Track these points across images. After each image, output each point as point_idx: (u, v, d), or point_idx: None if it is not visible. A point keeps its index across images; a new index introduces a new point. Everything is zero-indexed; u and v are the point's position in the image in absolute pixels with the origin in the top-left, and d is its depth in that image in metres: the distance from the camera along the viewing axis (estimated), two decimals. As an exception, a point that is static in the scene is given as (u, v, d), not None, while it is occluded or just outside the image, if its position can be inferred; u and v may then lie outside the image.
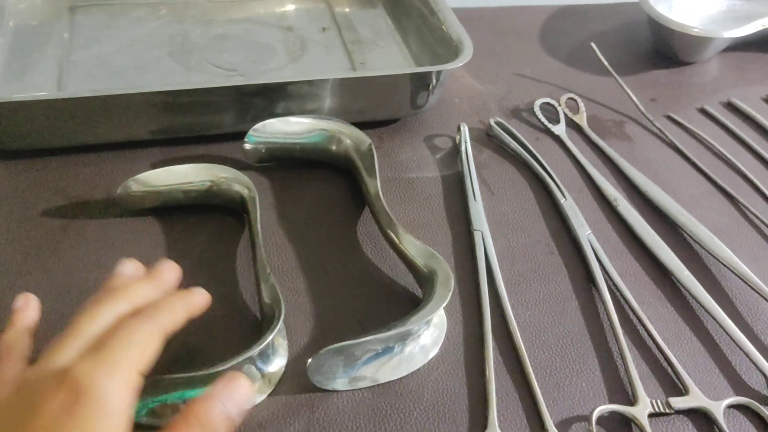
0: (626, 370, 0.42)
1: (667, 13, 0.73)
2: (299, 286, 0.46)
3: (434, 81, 0.57)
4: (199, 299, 0.37)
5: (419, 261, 0.45)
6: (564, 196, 0.54)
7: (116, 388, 0.28)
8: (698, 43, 0.70)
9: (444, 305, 0.41)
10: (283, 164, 0.55)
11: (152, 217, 0.49)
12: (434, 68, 0.57)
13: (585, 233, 0.51)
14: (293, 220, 0.50)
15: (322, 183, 0.54)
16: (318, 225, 0.50)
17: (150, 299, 0.35)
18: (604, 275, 0.48)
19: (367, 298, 0.46)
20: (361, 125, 0.58)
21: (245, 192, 0.48)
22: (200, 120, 0.55)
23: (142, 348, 0.31)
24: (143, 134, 0.54)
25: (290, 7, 0.73)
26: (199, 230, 0.49)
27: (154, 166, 0.53)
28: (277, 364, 0.40)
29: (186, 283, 0.39)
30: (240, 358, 0.37)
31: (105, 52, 0.64)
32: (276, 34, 0.69)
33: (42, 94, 0.53)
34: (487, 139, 0.60)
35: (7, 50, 0.62)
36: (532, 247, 0.51)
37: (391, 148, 0.58)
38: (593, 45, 0.67)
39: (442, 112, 0.62)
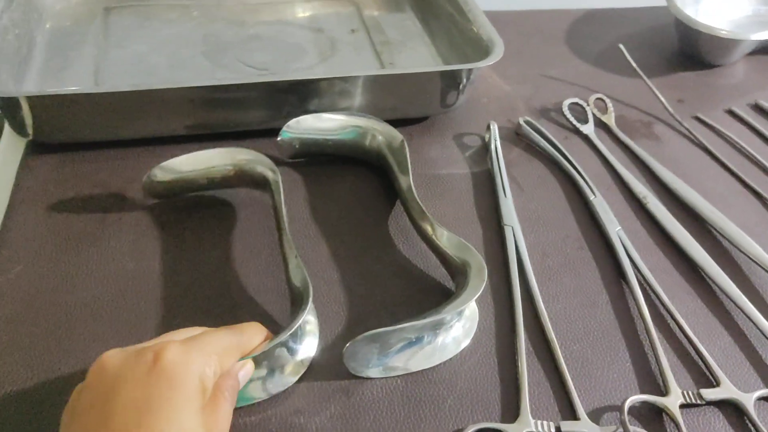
0: (657, 361, 0.42)
1: (693, 16, 0.74)
2: (332, 276, 0.47)
3: (464, 80, 0.58)
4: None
5: (452, 253, 0.45)
6: (594, 193, 0.54)
7: (191, 364, 0.33)
8: (725, 45, 0.70)
9: (478, 295, 0.41)
10: (316, 160, 0.56)
11: (182, 204, 0.50)
12: (465, 66, 0.58)
13: (615, 229, 0.51)
14: (326, 213, 0.51)
15: (354, 178, 0.54)
16: (350, 219, 0.51)
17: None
18: (634, 270, 0.48)
19: (399, 289, 0.46)
20: (392, 123, 0.58)
21: (269, 174, 0.49)
22: (235, 116, 0.56)
23: (222, 351, 0.35)
24: (179, 129, 0.55)
25: (320, 10, 0.74)
26: (228, 215, 0.50)
27: (189, 161, 0.54)
28: (309, 344, 0.41)
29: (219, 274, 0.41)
30: (273, 343, 0.38)
31: (139, 51, 0.65)
32: (307, 35, 0.70)
33: (81, 88, 0.55)
34: (516, 138, 0.61)
35: (44, 49, 0.63)
36: (562, 242, 0.51)
37: (421, 145, 0.59)
38: (621, 46, 0.67)
39: (471, 112, 0.63)
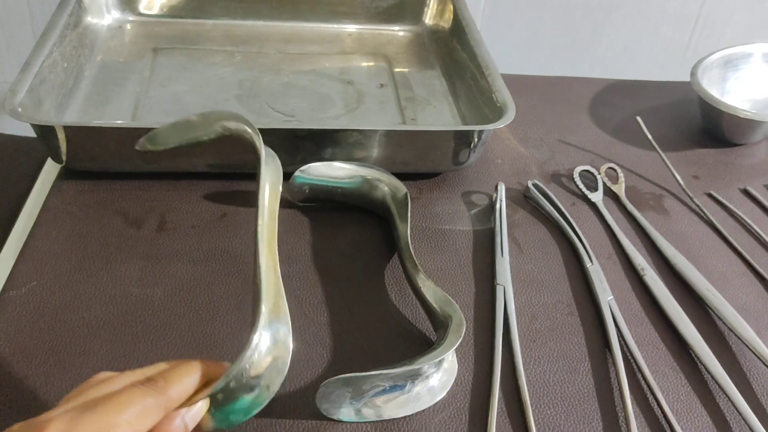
0: (629, 435, 0.42)
1: (719, 94, 0.74)
2: (322, 319, 0.48)
3: (476, 139, 0.60)
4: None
5: (437, 306, 0.47)
6: (591, 261, 0.55)
7: None
8: (747, 125, 0.70)
9: (453, 349, 0.43)
10: (325, 206, 0.58)
11: (195, 236, 0.53)
12: (475, 127, 0.60)
13: (607, 298, 0.52)
14: (327, 258, 0.53)
15: (358, 226, 0.57)
16: (349, 265, 0.53)
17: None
18: (620, 340, 0.49)
19: (385, 337, 0.48)
20: (404, 176, 0.61)
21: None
22: (253, 158, 0.59)
23: (134, 418, 0.30)
24: (201, 167, 0.59)
25: (354, 64, 0.78)
26: (238, 257, 0.52)
27: (206, 197, 0.58)
28: (265, 362, 0.37)
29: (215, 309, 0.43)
30: (231, 372, 0.35)
31: (179, 90, 0.70)
32: (337, 87, 0.74)
33: (108, 122, 0.59)
34: (523, 200, 0.62)
35: (91, 82, 0.68)
36: (553, 306, 0.52)
37: (429, 199, 0.61)
38: (638, 118, 0.68)
39: (483, 171, 0.65)
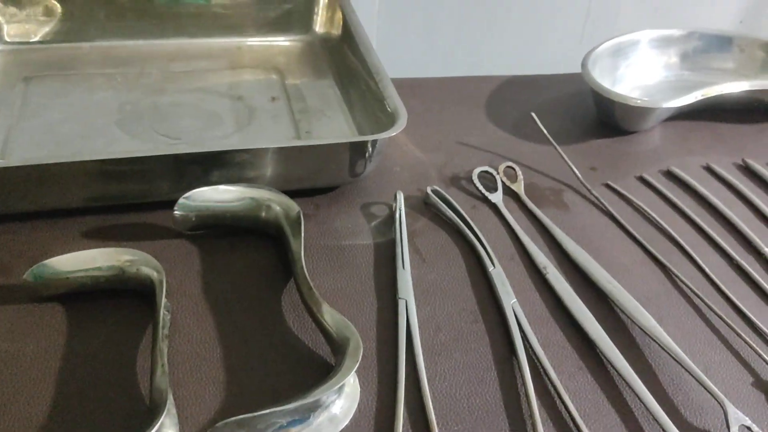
0: (538, 443, 0.41)
1: (611, 83, 0.75)
2: (215, 355, 0.46)
3: (370, 150, 0.58)
4: None
5: (333, 330, 0.45)
6: (493, 264, 0.54)
7: None
8: (638, 113, 0.71)
9: (351, 374, 0.41)
10: (216, 232, 0.55)
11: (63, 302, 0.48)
12: (369, 138, 0.58)
13: (510, 301, 0.51)
14: (218, 288, 0.50)
15: (252, 250, 0.54)
16: (242, 293, 0.50)
17: None
18: (525, 344, 0.48)
19: (285, 368, 0.45)
20: (301, 192, 0.59)
21: (154, 275, 0.47)
22: (135, 188, 0.56)
23: None
24: (77, 202, 0.55)
25: (244, 78, 0.75)
26: (107, 316, 0.48)
27: (86, 235, 0.54)
28: None
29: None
30: None
31: (53, 120, 0.65)
32: (225, 103, 0.71)
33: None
34: (424, 207, 0.61)
35: (-43, 119, 0.63)
36: (458, 315, 0.51)
37: (327, 215, 0.59)
38: (533, 114, 0.68)
39: (382, 180, 0.63)
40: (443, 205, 0.60)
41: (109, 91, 0.70)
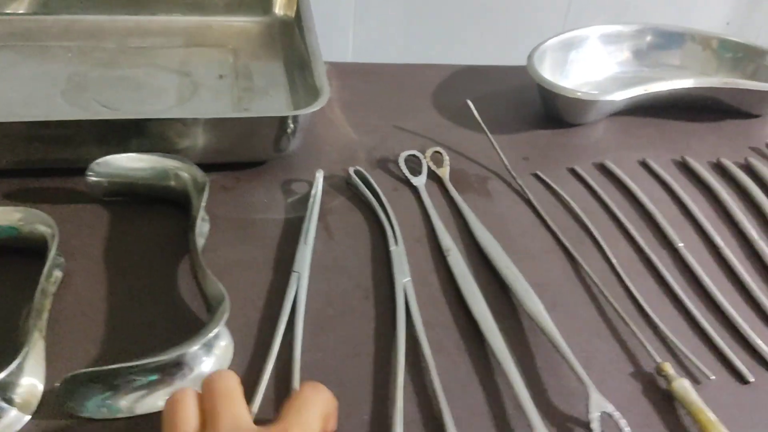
0: (392, 416, 0.42)
1: (561, 76, 0.75)
2: (99, 316, 0.47)
3: (292, 126, 0.59)
4: None
5: (211, 296, 0.46)
6: (396, 243, 0.54)
7: None
8: (580, 106, 0.71)
9: (209, 335, 0.42)
10: (131, 200, 0.56)
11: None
12: (289, 113, 0.60)
13: (403, 280, 0.51)
14: (119, 252, 0.52)
15: (159, 218, 0.55)
16: (141, 259, 0.52)
17: None
18: (407, 322, 0.48)
19: (168, 332, 0.46)
20: (229, 166, 0.60)
21: (48, 232, 0.48)
22: (58, 153, 0.57)
23: None
24: (1, 164, 0.57)
25: (198, 56, 0.76)
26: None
27: (7, 197, 0.56)
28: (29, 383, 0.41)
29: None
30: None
31: (1, 88, 0.67)
32: (173, 79, 0.72)
33: None
34: (345, 186, 0.61)
35: None
36: (351, 291, 0.51)
37: (246, 189, 0.60)
38: (469, 102, 0.68)
39: (310, 158, 0.64)
40: (363, 185, 0.60)
41: (61, 63, 0.72)
